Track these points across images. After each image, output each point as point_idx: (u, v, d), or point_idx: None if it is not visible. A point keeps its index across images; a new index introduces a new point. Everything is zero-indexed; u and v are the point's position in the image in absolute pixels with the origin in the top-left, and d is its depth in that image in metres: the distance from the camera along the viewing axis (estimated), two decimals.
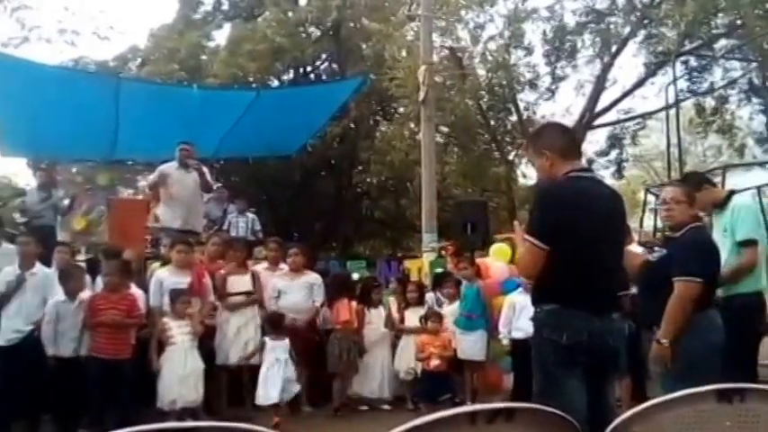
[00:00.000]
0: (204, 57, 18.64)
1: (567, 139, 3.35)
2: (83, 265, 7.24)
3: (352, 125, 18.99)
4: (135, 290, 6.30)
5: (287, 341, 6.37)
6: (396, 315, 7.48)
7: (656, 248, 4.53)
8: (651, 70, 18.11)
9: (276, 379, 6.18)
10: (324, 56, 20.60)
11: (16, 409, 5.87)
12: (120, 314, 5.94)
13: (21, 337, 5.95)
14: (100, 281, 6.48)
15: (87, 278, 6.64)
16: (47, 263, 6.57)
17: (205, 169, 8.33)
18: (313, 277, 7.29)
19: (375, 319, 7.34)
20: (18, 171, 19.61)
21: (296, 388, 6.40)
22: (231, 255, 7.25)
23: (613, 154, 20.08)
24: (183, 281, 6.45)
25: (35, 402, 5.91)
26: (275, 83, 19.13)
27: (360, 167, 19.82)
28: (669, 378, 3.66)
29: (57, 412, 5.97)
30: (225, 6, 20.91)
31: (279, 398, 6.15)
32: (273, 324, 6.55)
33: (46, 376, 5.82)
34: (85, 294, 6.19)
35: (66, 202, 9.20)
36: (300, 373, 6.93)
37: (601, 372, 3.07)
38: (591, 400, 2.95)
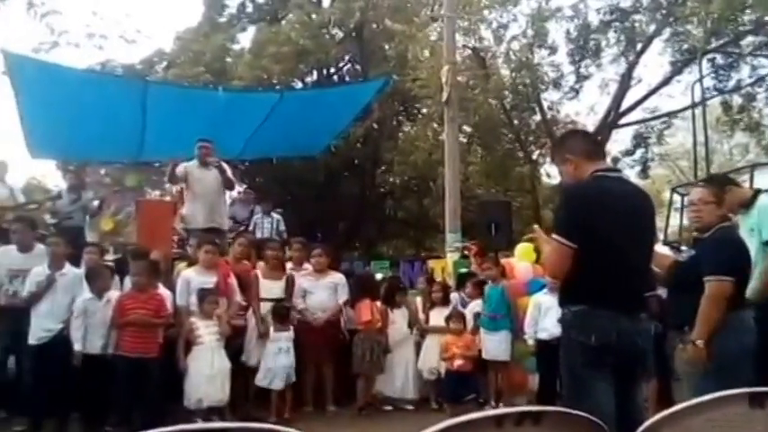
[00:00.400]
0: (229, 59, 18.77)
1: (588, 142, 3.39)
2: (111, 265, 7.32)
3: (376, 126, 19.03)
4: (162, 290, 6.36)
5: (290, 333, 6.70)
6: (421, 315, 7.51)
7: (683, 248, 4.50)
8: (677, 68, 17.93)
9: (279, 368, 6.52)
10: (347, 57, 20.67)
11: (47, 408, 5.94)
12: (148, 314, 6.02)
13: (51, 336, 6.03)
14: (128, 281, 6.58)
15: (116, 278, 6.73)
16: (76, 263, 6.65)
17: (226, 166, 8.35)
18: (337, 277, 7.34)
19: (398, 320, 7.38)
20: (47, 172, 19.92)
21: (293, 377, 6.65)
22: (267, 256, 7.30)
23: (639, 153, 19.93)
24: (210, 281, 6.51)
25: (65, 401, 5.99)
26: (299, 84, 19.22)
27: (383, 168, 19.86)
28: (699, 380, 3.61)
29: (84, 410, 6.04)
30: (249, 9, 21.05)
31: (283, 385, 6.53)
32: (278, 316, 6.72)
33: (75, 375, 5.91)
34: (113, 294, 6.28)
35: (96, 203, 9.29)
36: (325, 372, 7.01)
37: (629, 373, 3.05)
38: (619, 401, 2.93)
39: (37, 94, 9.46)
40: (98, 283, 6.19)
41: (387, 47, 19.39)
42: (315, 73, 20.21)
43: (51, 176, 18.81)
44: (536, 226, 3.84)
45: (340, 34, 19.61)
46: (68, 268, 6.34)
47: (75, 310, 6.04)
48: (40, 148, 11.17)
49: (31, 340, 6.01)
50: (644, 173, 20.11)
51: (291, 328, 6.77)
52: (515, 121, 18.64)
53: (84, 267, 6.64)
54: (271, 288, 7.02)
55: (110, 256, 8.36)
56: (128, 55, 19.60)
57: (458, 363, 6.63)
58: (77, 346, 5.93)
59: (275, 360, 6.54)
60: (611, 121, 18.66)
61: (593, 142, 3.43)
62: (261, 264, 7.63)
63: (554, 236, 3.07)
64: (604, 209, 3.03)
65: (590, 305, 3.00)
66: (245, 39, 20.12)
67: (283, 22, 19.29)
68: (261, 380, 6.55)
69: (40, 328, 6.04)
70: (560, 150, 3.37)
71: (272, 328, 6.65)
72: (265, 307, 6.90)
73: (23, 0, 10.74)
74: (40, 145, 10.92)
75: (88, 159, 11.64)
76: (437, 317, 7.31)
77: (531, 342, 6.92)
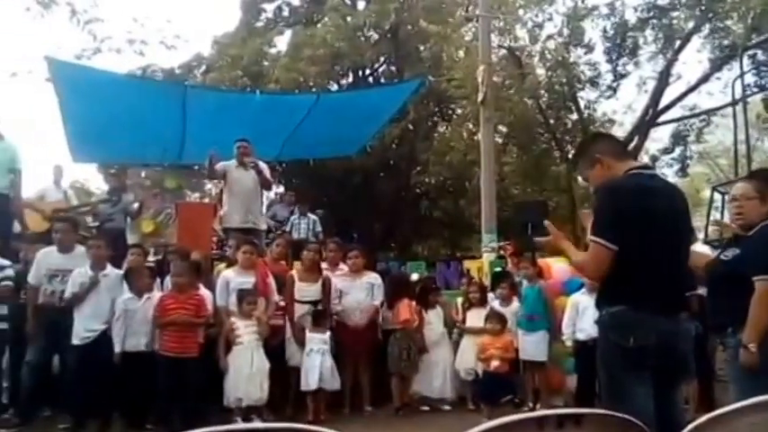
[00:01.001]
0: (266, 63, 18.94)
1: (615, 143, 3.34)
2: (152, 265, 7.44)
3: (411, 126, 19.04)
4: (202, 290, 6.46)
5: (327, 335, 6.64)
6: (460, 316, 7.49)
7: (725, 247, 4.39)
8: (717, 65, 17.61)
9: (314, 367, 6.46)
10: (382, 59, 20.71)
11: (91, 407, 6.07)
12: (188, 314, 6.11)
13: (94, 336, 6.14)
14: (168, 281, 6.69)
15: (157, 279, 6.85)
16: (117, 265, 6.76)
17: (263, 166, 8.43)
18: (373, 277, 7.38)
19: (434, 320, 7.38)
20: (89, 176, 20.40)
21: (336, 383, 6.58)
22: (303, 257, 7.31)
23: (677, 151, 19.65)
24: (249, 281, 6.61)
25: (107, 400, 6.10)
26: (335, 87, 19.34)
27: (418, 168, 19.86)
28: (748, 384, 3.46)
29: (126, 409, 6.15)
30: (285, 13, 21.24)
31: (317, 386, 6.43)
32: (316, 319, 6.73)
33: (117, 374, 6.03)
34: (154, 294, 6.40)
35: (136, 205, 9.45)
36: (362, 373, 7.04)
37: (669, 375, 2.99)
38: (659, 404, 2.88)
39: (79, 99, 9.68)
40: (138, 283, 6.32)
41: (422, 48, 19.38)
42: (350, 75, 20.32)
43: (93, 180, 19.27)
44: (546, 222, 3.52)
45: (375, 36, 19.68)
46: (110, 269, 6.45)
47: (116, 311, 6.16)
48: (82, 152, 11.42)
49: (75, 340, 6.12)
50: (683, 171, 19.82)
51: (328, 330, 6.74)
52: (551, 121, 18.50)
53: (125, 268, 6.78)
54: (306, 290, 7.05)
55: (150, 258, 8.50)
56: (167, 60, 19.89)
57: (495, 364, 6.59)
58: (117, 348, 6.05)
59: (309, 360, 6.53)
60: (649, 120, 18.43)
61: (619, 143, 3.38)
62: (297, 264, 7.70)
63: (592, 238, 2.99)
64: (641, 207, 2.97)
65: (627, 306, 2.95)
66: (282, 42, 20.33)
67: (319, 25, 19.41)
68: (304, 384, 6.54)
69: (84, 328, 6.15)
70: (588, 152, 3.29)
71: (307, 330, 6.68)
72: (302, 309, 6.94)
73: (67, 8, 11.00)
74: (82, 149, 11.17)
75: (128, 162, 11.87)
76: (474, 317, 7.30)
77: (568, 343, 6.87)
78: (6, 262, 6.58)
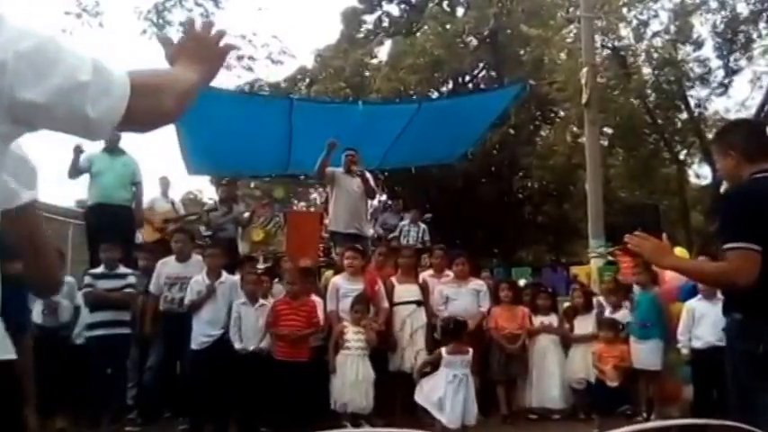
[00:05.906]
0: (367, 73, 19.30)
1: (756, 140, 3.13)
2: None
3: (512, 131, 18.89)
4: (314, 297, 6.65)
5: (469, 355, 5.83)
6: (566, 324, 7.36)
7: None
8: None
9: (456, 401, 5.61)
10: (482, 64, 20.67)
11: (208, 409, 6.31)
12: (300, 320, 6.29)
13: (211, 341, 6.39)
14: (277, 286, 6.94)
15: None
16: (231, 272, 7.00)
17: (369, 176, 8.58)
18: (479, 284, 7.35)
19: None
20: (203, 187, 21.34)
21: (475, 408, 5.83)
22: (401, 263, 7.38)
23: None
24: (357, 287, 6.69)
25: (224, 403, 6.32)
26: (435, 94, 19.43)
27: (521, 173, 19.65)
28: None
29: (241, 412, 6.32)
30: (385, 24, 21.55)
31: (460, 422, 5.61)
32: (452, 333, 6.00)
33: (232, 378, 6.25)
34: (267, 300, 6.64)
35: (246, 215, 9.78)
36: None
37: None
38: None
39: (193, 114, 10.00)
40: (251, 291, 6.57)
41: (522, 52, 19.21)
42: (451, 82, 20.37)
43: (207, 191, 20.17)
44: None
45: (474, 42, 19.67)
46: (225, 276, 6.70)
47: (231, 317, 6.41)
48: (196, 165, 11.93)
49: (193, 345, 6.40)
50: None
51: (470, 349, 5.89)
52: (660, 121, 17.90)
53: (239, 278, 7.05)
54: (406, 290, 7.07)
55: (260, 265, 8.79)
56: (273, 74, 20.60)
57: (613, 384, 6.33)
58: (235, 348, 6.30)
59: (450, 391, 5.62)
60: (764, 117, 17.50)
61: (762, 141, 3.14)
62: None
63: (735, 245, 2.84)
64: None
65: (758, 312, 2.83)
66: (383, 52, 20.69)
67: (418, 33, 19.60)
68: (447, 420, 5.59)
69: (202, 334, 6.41)
70: (723, 141, 3.19)
71: (443, 350, 5.90)
72: (407, 309, 6.96)
73: (180, 28, 11.54)
74: (195, 162, 11.66)
75: (239, 174, 12.33)
76: (581, 324, 7.16)
77: (684, 351, 6.61)
78: (129, 270, 6.96)
